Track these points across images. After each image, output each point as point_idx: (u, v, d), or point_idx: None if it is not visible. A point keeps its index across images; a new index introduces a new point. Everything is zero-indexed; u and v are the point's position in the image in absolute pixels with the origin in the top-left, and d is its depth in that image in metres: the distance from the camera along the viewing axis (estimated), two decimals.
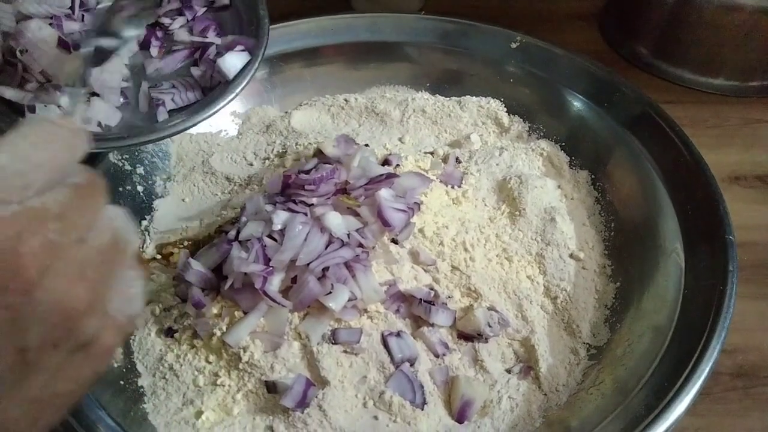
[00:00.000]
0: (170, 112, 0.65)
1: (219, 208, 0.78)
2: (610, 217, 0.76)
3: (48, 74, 0.61)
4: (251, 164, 0.83)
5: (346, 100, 0.89)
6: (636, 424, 0.52)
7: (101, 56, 0.64)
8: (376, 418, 0.58)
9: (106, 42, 0.64)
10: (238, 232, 0.64)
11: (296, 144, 0.81)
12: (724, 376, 0.65)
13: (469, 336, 0.64)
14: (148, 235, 0.76)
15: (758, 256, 0.75)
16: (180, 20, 0.68)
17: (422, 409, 0.58)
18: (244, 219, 0.65)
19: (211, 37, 0.68)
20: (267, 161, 0.83)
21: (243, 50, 0.66)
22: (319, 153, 0.73)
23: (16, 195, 0.32)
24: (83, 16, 0.66)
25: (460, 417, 0.59)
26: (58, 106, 0.60)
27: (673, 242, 0.67)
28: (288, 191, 0.67)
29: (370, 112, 0.88)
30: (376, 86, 0.92)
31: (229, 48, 0.67)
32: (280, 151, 0.83)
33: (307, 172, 0.69)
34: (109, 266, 0.36)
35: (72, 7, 0.65)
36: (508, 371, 0.63)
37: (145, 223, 0.77)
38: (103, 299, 0.35)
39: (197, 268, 0.64)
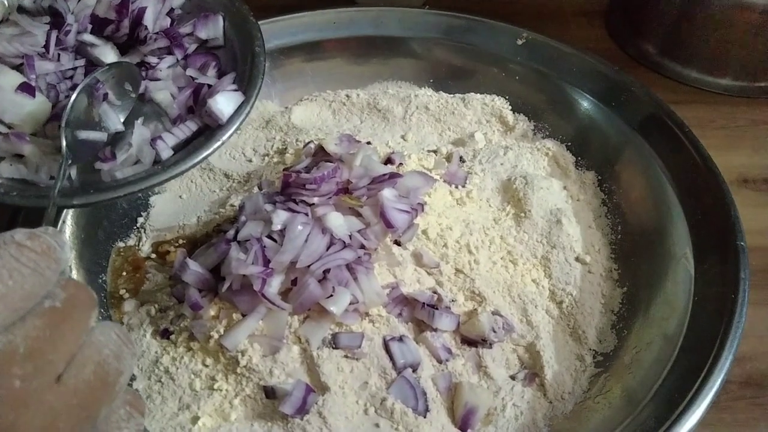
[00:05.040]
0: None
1: (217, 205, 0.76)
2: (617, 219, 0.74)
3: (7, 122, 0.56)
4: (250, 160, 0.82)
5: (347, 95, 0.87)
6: None
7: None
8: (377, 425, 0.56)
9: (91, 134, 0.57)
10: (236, 232, 0.63)
11: (296, 140, 0.79)
12: (732, 385, 0.64)
13: (472, 341, 0.63)
14: (144, 232, 0.75)
15: (767, 260, 0.74)
16: (168, 60, 0.63)
17: (425, 417, 0.57)
18: (243, 218, 0.64)
19: (210, 74, 0.63)
20: (266, 158, 0.81)
21: (235, 90, 0.60)
22: (320, 150, 0.71)
23: None
24: (59, 55, 0.61)
25: (463, 425, 0.58)
26: (21, 156, 0.55)
27: (682, 247, 0.65)
28: (288, 190, 0.65)
29: (372, 108, 0.86)
30: (378, 82, 0.90)
31: (220, 86, 0.61)
32: (280, 147, 0.81)
33: (308, 169, 0.68)
34: (91, 408, 0.31)
35: (46, 46, 0.59)
36: (513, 378, 0.62)
37: (141, 220, 0.76)
38: None
39: (195, 269, 0.62)
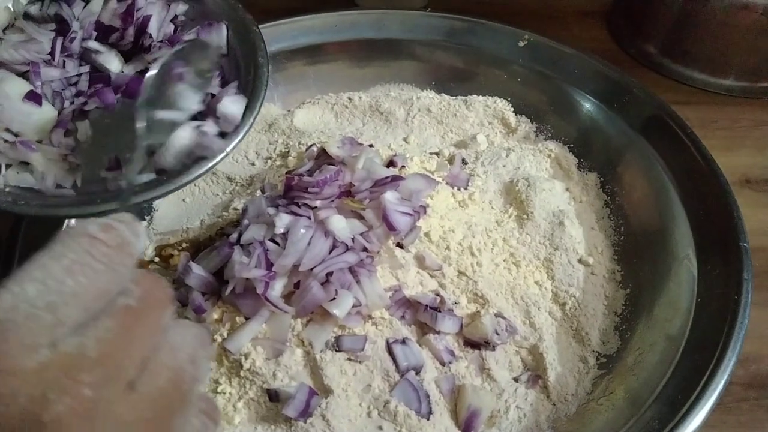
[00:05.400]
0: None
1: (220, 209, 0.76)
2: (620, 221, 0.74)
3: (14, 131, 0.55)
4: (253, 164, 0.82)
5: (350, 98, 0.87)
6: None
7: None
8: (380, 428, 0.56)
9: (166, 114, 0.55)
10: (239, 236, 0.63)
11: (299, 143, 0.80)
12: (736, 386, 0.64)
13: (475, 343, 0.63)
14: (148, 236, 0.75)
15: None
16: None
17: (428, 419, 0.57)
18: (245, 222, 0.64)
19: (214, 82, 0.62)
20: (269, 161, 0.81)
21: (238, 93, 0.61)
22: (322, 154, 0.72)
23: (46, 336, 0.26)
24: (64, 62, 0.60)
25: (466, 427, 0.58)
26: (27, 164, 0.55)
27: (685, 248, 0.65)
28: (291, 193, 0.65)
29: (375, 111, 0.86)
30: (380, 84, 0.91)
31: (224, 94, 0.61)
32: (283, 150, 0.81)
33: (311, 173, 0.68)
34: (164, 419, 0.28)
35: (52, 53, 0.59)
36: (516, 380, 0.62)
37: (144, 223, 0.76)
38: None
39: (198, 272, 0.62)
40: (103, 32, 0.63)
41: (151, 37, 0.63)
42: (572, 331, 0.65)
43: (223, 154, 0.57)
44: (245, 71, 0.64)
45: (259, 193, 0.72)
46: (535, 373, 0.62)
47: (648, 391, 0.55)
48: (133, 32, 0.62)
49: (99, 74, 0.62)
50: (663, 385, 0.55)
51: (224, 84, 0.63)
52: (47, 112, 0.58)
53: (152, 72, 0.53)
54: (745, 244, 0.61)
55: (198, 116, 0.60)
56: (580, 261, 0.70)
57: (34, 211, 0.54)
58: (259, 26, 0.66)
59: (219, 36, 0.65)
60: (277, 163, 0.80)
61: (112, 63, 0.62)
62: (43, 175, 0.55)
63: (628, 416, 0.54)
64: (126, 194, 0.52)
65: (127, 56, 0.64)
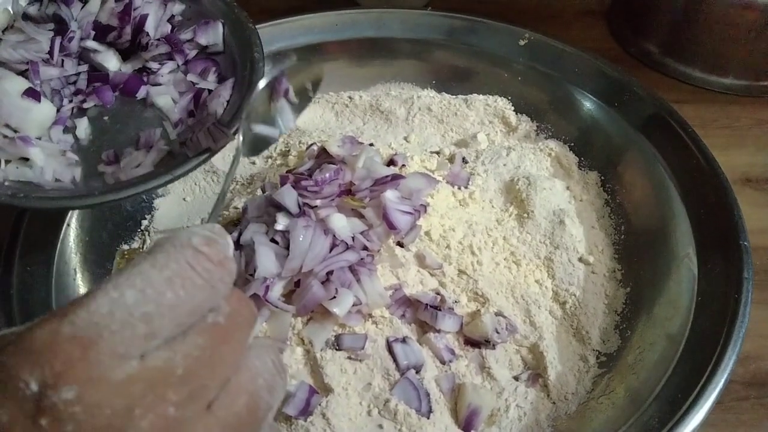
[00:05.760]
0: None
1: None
2: (620, 220, 0.74)
3: (13, 126, 0.56)
4: (254, 163, 0.82)
5: (350, 97, 0.87)
6: None
7: None
8: (380, 426, 0.57)
9: (265, 130, 0.58)
10: (239, 235, 0.63)
11: (299, 142, 0.80)
12: (736, 385, 0.64)
13: (476, 342, 0.63)
14: (148, 235, 0.75)
15: None
16: (169, 65, 0.64)
17: (428, 418, 0.57)
18: (246, 221, 0.64)
19: (211, 79, 0.64)
20: (269, 160, 0.81)
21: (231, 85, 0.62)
22: (323, 152, 0.72)
23: (138, 347, 0.26)
24: (62, 61, 0.61)
25: (467, 426, 0.58)
26: (26, 159, 0.56)
27: (685, 247, 0.65)
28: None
29: (375, 110, 0.86)
30: (380, 83, 0.90)
31: (221, 91, 0.62)
32: (283, 149, 0.81)
33: (311, 171, 0.68)
34: None
35: (51, 52, 0.60)
36: (516, 378, 0.62)
37: (145, 222, 0.76)
38: None
39: None
40: (100, 32, 0.63)
41: (148, 35, 0.63)
42: (572, 329, 0.65)
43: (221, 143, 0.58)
44: (241, 67, 0.64)
45: (259, 192, 0.72)
46: (535, 371, 0.62)
47: (648, 389, 0.55)
48: (130, 31, 0.63)
49: (97, 73, 0.62)
50: (663, 384, 0.55)
51: (221, 80, 0.64)
52: (46, 108, 0.58)
53: (260, 86, 0.56)
54: (745, 243, 0.61)
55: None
56: (580, 260, 0.70)
57: (34, 204, 0.54)
58: (260, 25, 0.66)
59: (215, 34, 0.66)
60: (278, 162, 0.80)
61: (110, 62, 0.63)
62: (42, 170, 0.56)
63: (628, 415, 0.54)
64: (123, 187, 0.52)
65: (126, 55, 0.65)
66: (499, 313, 0.64)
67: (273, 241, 0.61)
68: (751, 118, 0.92)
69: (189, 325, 0.27)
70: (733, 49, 0.94)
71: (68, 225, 0.69)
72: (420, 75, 0.90)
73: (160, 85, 0.63)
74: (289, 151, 0.79)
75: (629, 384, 0.58)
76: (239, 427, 0.27)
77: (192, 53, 0.66)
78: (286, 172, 0.70)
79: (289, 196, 0.62)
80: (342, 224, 0.63)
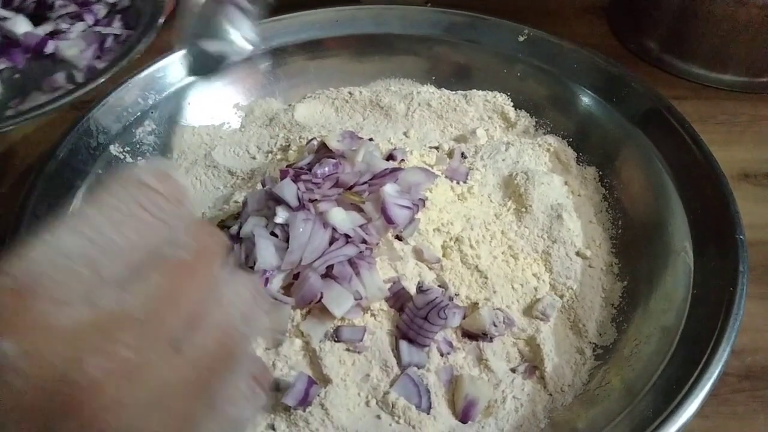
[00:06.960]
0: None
1: (221, 202, 0.77)
2: (618, 214, 0.75)
3: None
4: (254, 158, 0.83)
5: (350, 93, 0.88)
6: (644, 428, 0.51)
7: None
8: (378, 417, 0.57)
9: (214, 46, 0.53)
10: (239, 228, 0.63)
11: (299, 137, 0.80)
12: (731, 378, 0.64)
13: (473, 335, 0.63)
14: None
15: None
16: (80, 25, 0.67)
17: (428, 413, 0.57)
18: (246, 214, 0.64)
19: (116, 26, 0.67)
20: (270, 155, 0.82)
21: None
22: (323, 147, 0.72)
23: (84, 292, 0.24)
24: None
25: (464, 417, 0.58)
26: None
27: (682, 241, 0.66)
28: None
29: (375, 105, 0.87)
30: (380, 79, 0.91)
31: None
32: (284, 144, 0.82)
33: (311, 166, 0.68)
34: (209, 382, 0.26)
35: None
36: (513, 370, 0.62)
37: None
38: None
39: None
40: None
41: None
42: (569, 322, 0.66)
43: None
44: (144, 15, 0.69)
45: (259, 186, 0.72)
46: (532, 364, 0.63)
47: (643, 381, 0.56)
48: None
49: (8, 39, 0.66)
50: (658, 376, 0.55)
51: (127, 28, 0.68)
52: None
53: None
54: (741, 237, 0.62)
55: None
56: (577, 254, 0.70)
57: None
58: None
59: None
60: (278, 156, 0.80)
61: (21, 26, 0.67)
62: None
63: (623, 406, 0.55)
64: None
65: (38, 21, 0.68)
66: (496, 307, 0.64)
67: (273, 234, 0.62)
68: (750, 114, 0.92)
69: (147, 266, 0.25)
70: (732, 45, 0.94)
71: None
72: (420, 71, 0.91)
73: (67, 39, 0.67)
74: (289, 146, 0.80)
75: (625, 376, 0.59)
76: (212, 363, 0.25)
77: (102, 12, 0.68)
78: (286, 166, 0.70)
79: (288, 190, 0.63)
80: (341, 218, 0.63)
